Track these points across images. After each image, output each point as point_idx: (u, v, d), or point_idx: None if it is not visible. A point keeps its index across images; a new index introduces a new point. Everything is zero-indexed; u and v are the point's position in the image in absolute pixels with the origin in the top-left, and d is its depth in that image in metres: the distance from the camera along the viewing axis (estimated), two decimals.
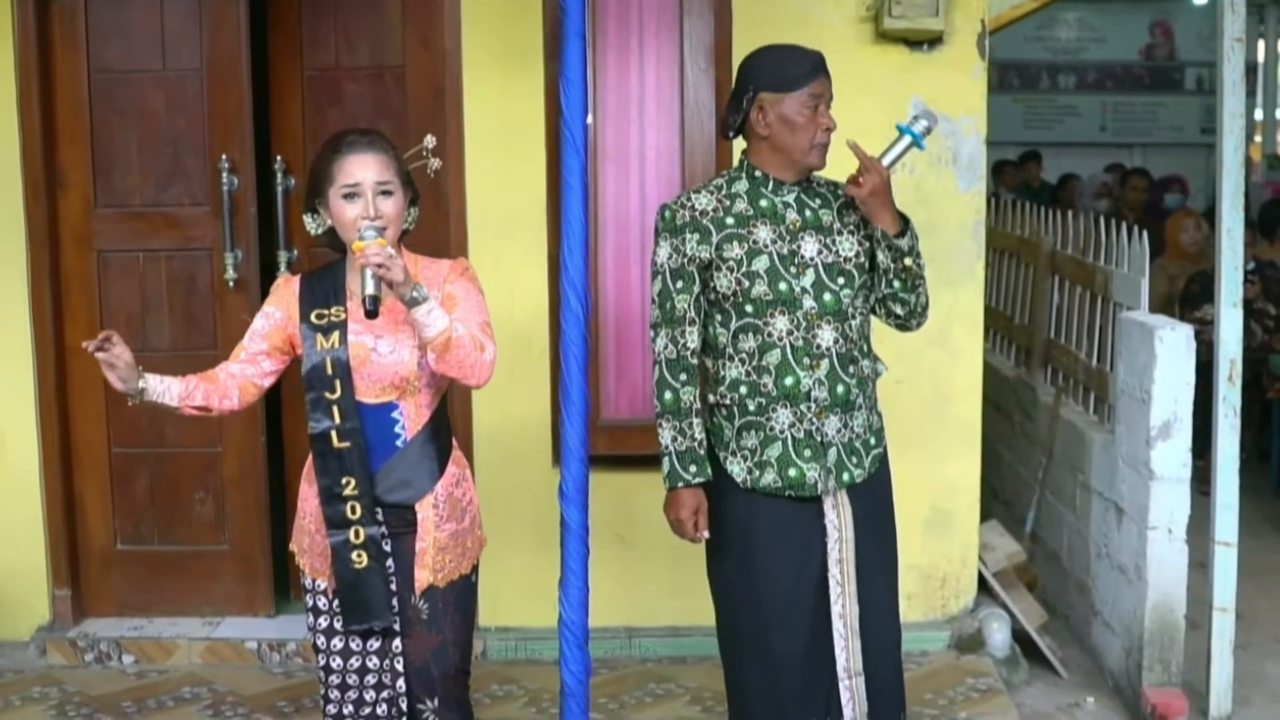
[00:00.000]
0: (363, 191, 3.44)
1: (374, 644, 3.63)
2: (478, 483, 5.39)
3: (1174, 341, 5.00)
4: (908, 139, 3.76)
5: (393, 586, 3.59)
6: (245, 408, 3.66)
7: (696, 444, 3.75)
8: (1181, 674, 5.07)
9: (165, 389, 3.49)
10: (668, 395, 3.75)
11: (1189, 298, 7.73)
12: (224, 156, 5.48)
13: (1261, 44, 14.94)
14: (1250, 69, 6.46)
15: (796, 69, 3.70)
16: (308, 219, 3.61)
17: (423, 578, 3.58)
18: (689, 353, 3.76)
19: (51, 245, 5.53)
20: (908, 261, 3.74)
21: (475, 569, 3.73)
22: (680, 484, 3.75)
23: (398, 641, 3.60)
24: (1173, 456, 5.01)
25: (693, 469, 3.74)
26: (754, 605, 3.78)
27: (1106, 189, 12.36)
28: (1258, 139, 15.45)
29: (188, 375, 3.55)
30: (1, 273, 5.51)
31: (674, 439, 3.75)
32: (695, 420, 3.75)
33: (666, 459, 3.77)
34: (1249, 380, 5.98)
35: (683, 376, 3.75)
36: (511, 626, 5.50)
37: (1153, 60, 15.69)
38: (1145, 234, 5.41)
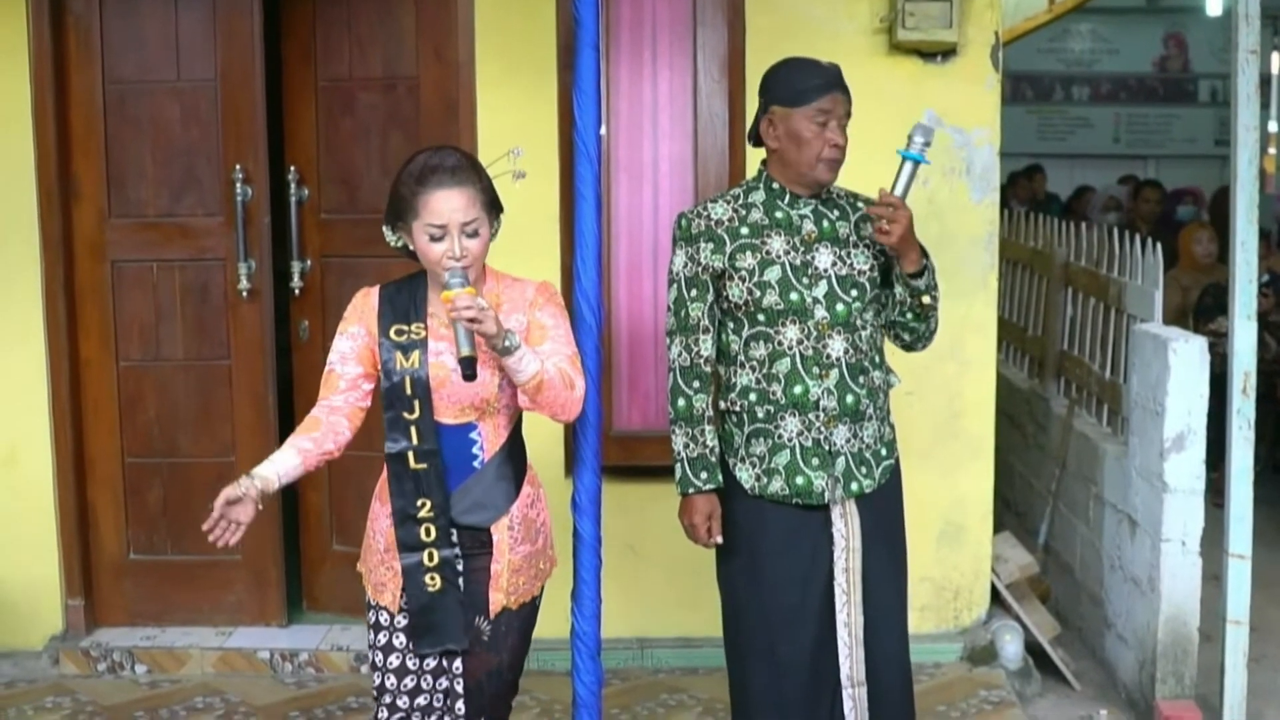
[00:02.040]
0: (449, 232, 3.34)
1: (430, 663, 3.55)
2: None
3: (1188, 353, 4.99)
4: (911, 164, 3.73)
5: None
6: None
7: (708, 451, 3.77)
8: (1195, 686, 5.05)
9: (284, 473, 3.40)
10: (680, 402, 3.78)
11: (1203, 310, 7.71)
12: (238, 167, 5.49)
13: (1276, 56, 14.89)
14: (1264, 81, 6.45)
15: (806, 84, 3.72)
16: (387, 231, 3.50)
17: (497, 600, 3.52)
18: (703, 360, 3.78)
19: (65, 256, 5.54)
20: (925, 299, 3.76)
21: (542, 589, 3.67)
22: (691, 490, 3.78)
23: (457, 662, 3.53)
24: (1186, 469, 5.00)
25: (704, 475, 3.77)
26: (759, 610, 3.80)
27: (1116, 202, 12.35)
28: (1271, 151, 15.41)
29: (292, 440, 3.48)
30: (16, 283, 5.53)
31: (686, 446, 3.78)
32: (708, 427, 3.78)
33: (679, 465, 3.80)
34: (1263, 392, 5.95)
35: (696, 384, 3.78)
36: None
37: (1166, 72, 15.67)
38: (1159, 246, 5.40)
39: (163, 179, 5.59)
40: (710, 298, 3.77)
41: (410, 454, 3.46)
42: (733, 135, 5.29)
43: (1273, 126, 15.02)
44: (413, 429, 3.45)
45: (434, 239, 3.35)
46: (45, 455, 5.58)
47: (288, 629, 5.70)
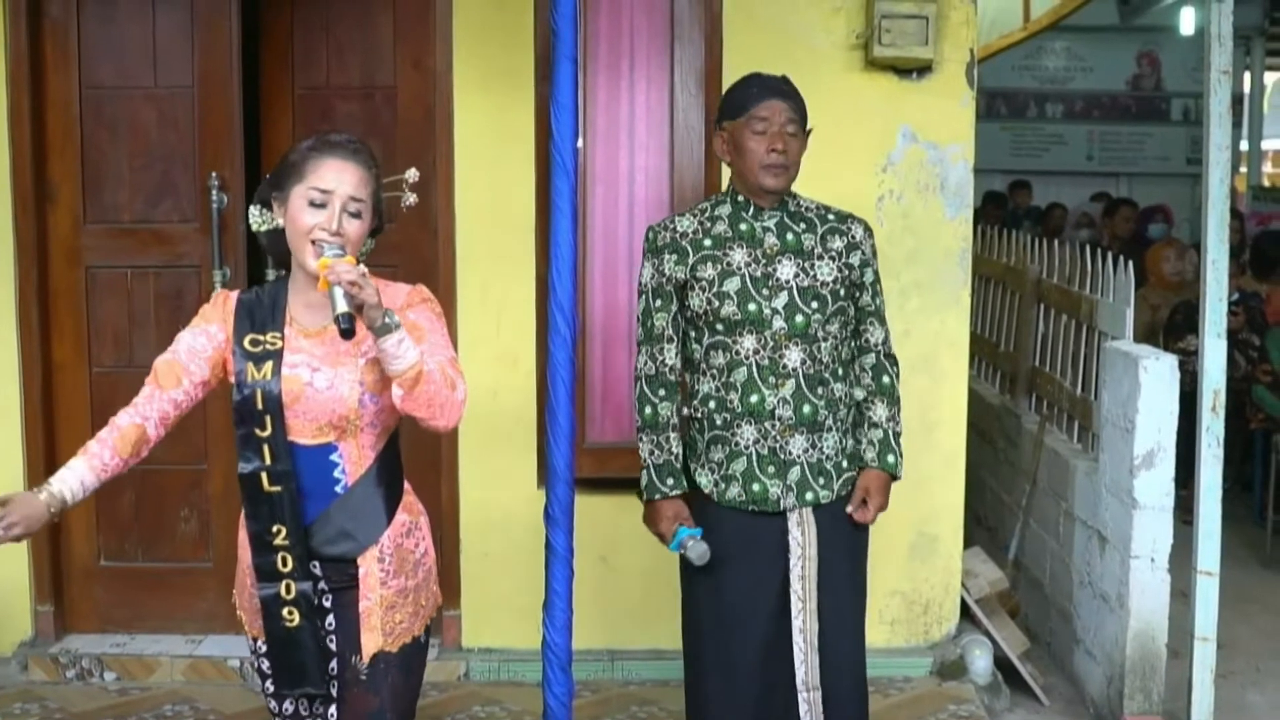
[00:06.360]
0: (331, 202, 3.06)
1: (320, 707, 3.27)
2: (462, 503, 5.45)
3: (1158, 371, 5.02)
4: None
5: (332, 646, 3.23)
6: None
7: (673, 457, 3.86)
8: (1163, 702, 5.08)
9: (79, 487, 3.25)
10: (647, 410, 3.87)
11: (1173, 328, 7.75)
12: (214, 174, 5.48)
13: (1247, 75, 15.01)
14: (1236, 100, 6.49)
15: (744, 95, 3.85)
16: (254, 211, 3.23)
17: (371, 642, 3.18)
18: (668, 369, 3.87)
19: (40, 261, 5.52)
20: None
21: (428, 630, 3.35)
22: (658, 496, 3.85)
23: (332, 709, 3.24)
24: (1156, 485, 5.03)
25: (669, 481, 3.85)
26: (716, 615, 3.85)
27: (1088, 218, 12.42)
28: (1243, 169, 15.51)
29: (89, 450, 3.29)
30: None
31: (651, 452, 3.87)
32: (673, 435, 3.87)
33: (645, 472, 3.88)
34: (1232, 410, 5.99)
35: (661, 392, 3.87)
36: (495, 648, 5.49)
37: (1139, 90, 15.75)
38: (1130, 264, 5.44)
39: (139, 185, 5.57)
40: (674, 308, 3.86)
41: (263, 475, 3.15)
42: (708, 148, 5.30)
43: (1244, 145, 15.14)
44: (265, 447, 3.14)
45: (313, 204, 3.07)
46: (16, 460, 5.54)
47: None
